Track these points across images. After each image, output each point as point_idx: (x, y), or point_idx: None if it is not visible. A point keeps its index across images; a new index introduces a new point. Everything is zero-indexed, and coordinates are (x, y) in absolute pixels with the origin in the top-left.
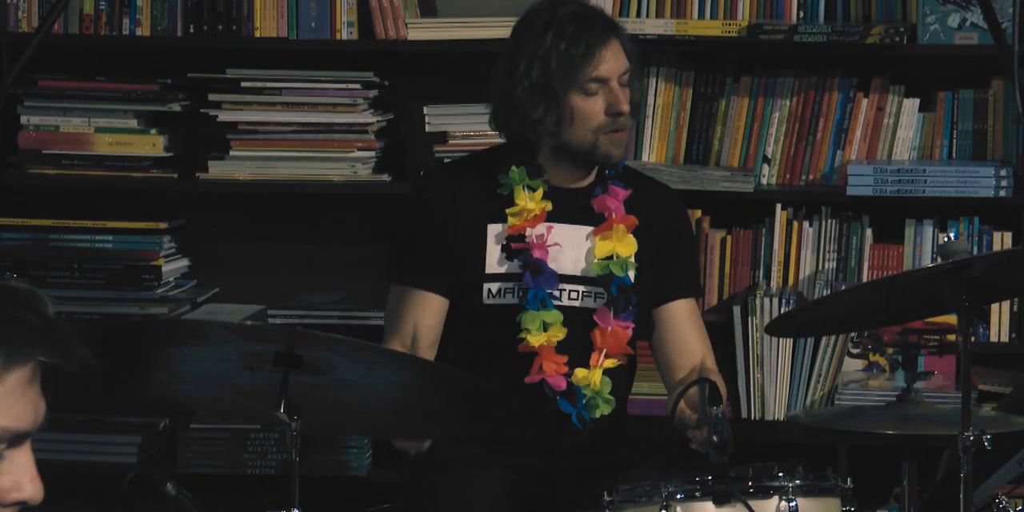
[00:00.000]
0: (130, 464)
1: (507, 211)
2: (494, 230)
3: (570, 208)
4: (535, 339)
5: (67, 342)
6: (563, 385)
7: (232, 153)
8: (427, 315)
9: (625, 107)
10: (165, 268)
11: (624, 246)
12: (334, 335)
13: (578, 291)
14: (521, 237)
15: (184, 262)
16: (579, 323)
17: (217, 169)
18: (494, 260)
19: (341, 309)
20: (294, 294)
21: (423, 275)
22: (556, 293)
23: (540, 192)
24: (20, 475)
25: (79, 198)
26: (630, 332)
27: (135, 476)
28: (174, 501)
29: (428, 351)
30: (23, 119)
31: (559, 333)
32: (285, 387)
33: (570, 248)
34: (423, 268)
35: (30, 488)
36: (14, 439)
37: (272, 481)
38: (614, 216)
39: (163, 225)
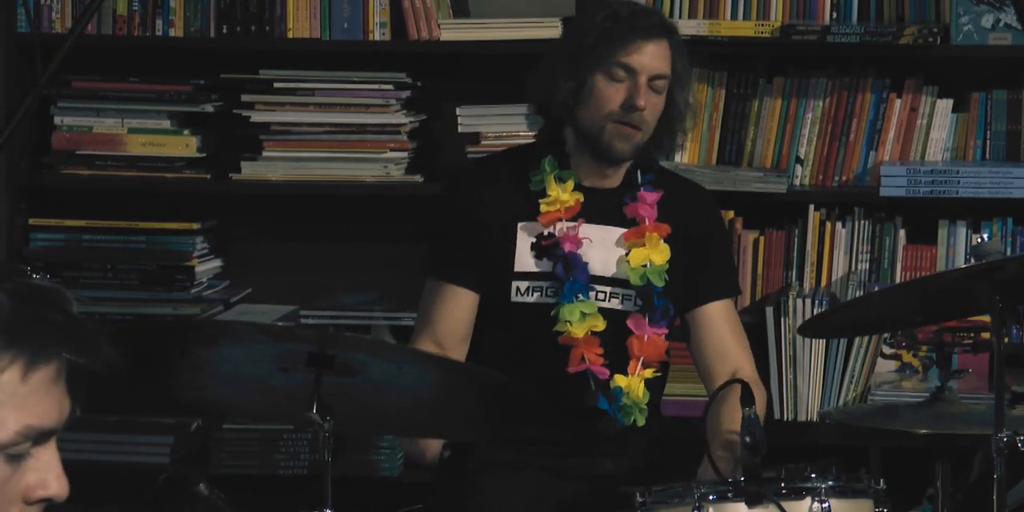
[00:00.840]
0: (163, 464)
1: (540, 201)
2: (524, 228)
3: (600, 208)
4: (576, 330)
5: (92, 341)
6: (607, 374)
7: (265, 154)
8: (459, 309)
9: (641, 103)
10: (198, 269)
11: (658, 254)
12: (365, 337)
13: (606, 292)
14: (551, 234)
15: (217, 262)
16: (610, 325)
17: (250, 170)
18: (524, 258)
19: (373, 310)
20: (326, 295)
21: (456, 271)
22: (590, 291)
23: (571, 183)
24: (46, 472)
25: (112, 199)
26: (665, 340)
27: (168, 476)
28: (207, 501)
29: (460, 345)
30: (56, 120)
31: (599, 323)
32: (318, 388)
33: (600, 249)
34: (456, 264)
35: (56, 485)
36: (39, 437)
37: (304, 481)
38: (647, 223)
39: (196, 226)
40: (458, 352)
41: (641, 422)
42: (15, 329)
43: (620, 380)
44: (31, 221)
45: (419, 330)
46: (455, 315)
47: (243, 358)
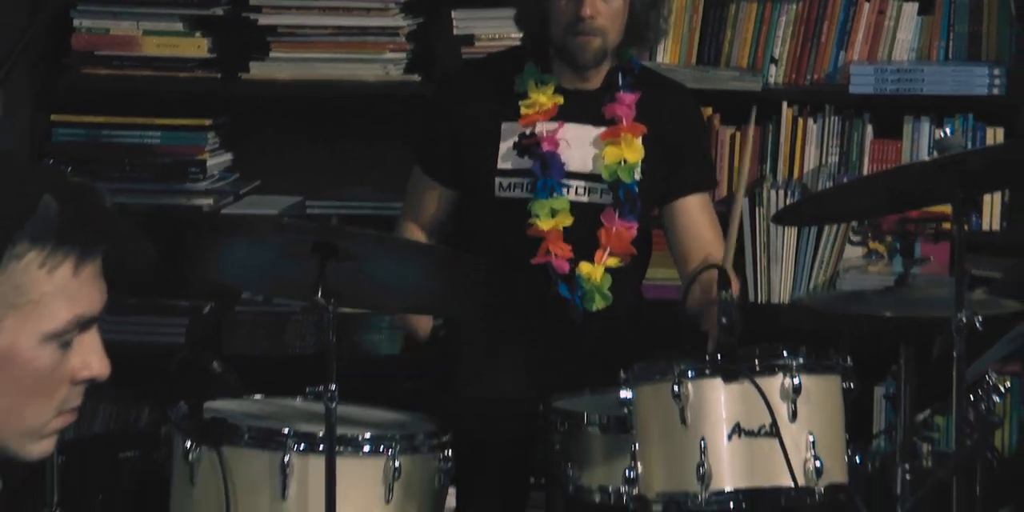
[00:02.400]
0: (178, 344)
1: (520, 103)
2: (507, 128)
3: (579, 108)
4: (544, 224)
5: (132, 238)
6: (566, 269)
7: (272, 55)
8: (435, 201)
9: (587, 12)
10: (209, 162)
11: (632, 152)
12: (364, 230)
13: (584, 187)
14: (532, 134)
15: (227, 156)
16: (585, 218)
17: (257, 70)
18: (506, 156)
19: (373, 201)
20: (330, 187)
21: (436, 167)
22: (564, 188)
23: (551, 87)
24: (90, 355)
25: (129, 97)
26: (634, 232)
27: (184, 356)
28: (220, 378)
29: (438, 229)
30: (76, 22)
31: (566, 220)
32: (322, 273)
33: (578, 147)
34: (437, 161)
35: (98, 366)
36: (86, 324)
37: (310, 360)
38: (624, 123)
39: (207, 122)
40: (437, 234)
41: (602, 305)
42: (65, 228)
43: (584, 268)
44: (53, 118)
45: (404, 211)
46: (432, 204)
47: (254, 248)
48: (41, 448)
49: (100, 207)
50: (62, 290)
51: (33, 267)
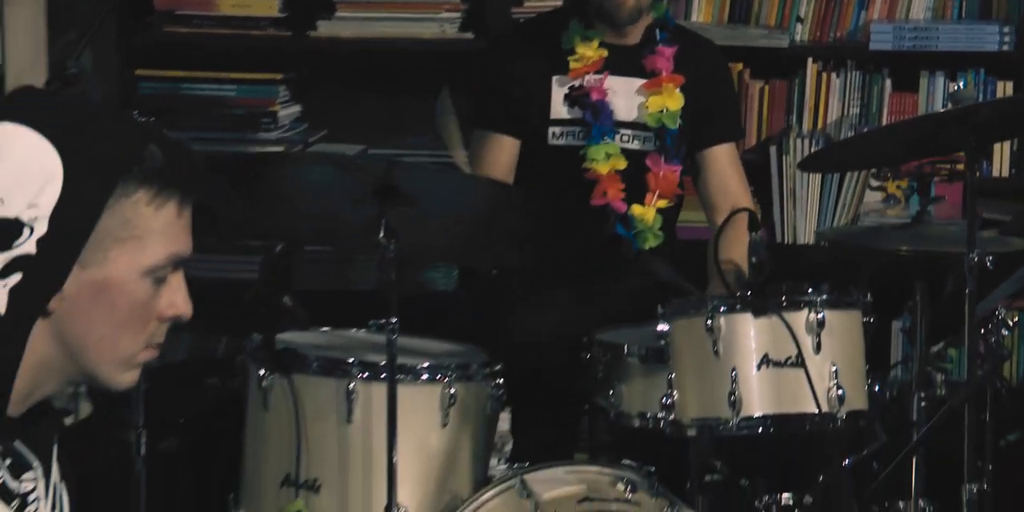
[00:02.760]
0: (253, 280)
1: (569, 59)
2: (557, 81)
3: (622, 62)
4: (600, 167)
5: (217, 185)
6: (623, 208)
7: (337, 14)
8: (502, 154)
9: None
10: (280, 113)
11: (673, 101)
12: (424, 163)
13: (630, 135)
14: (581, 86)
15: (297, 108)
16: (632, 163)
17: (324, 28)
18: (558, 107)
19: (429, 149)
20: (390, 137)
21: (497, 120)
22: (614, 135)
23: (596, 42)
24: (176, 295)
25: (206, 53)
26: (678, 175)
27: (257, 291)
28: (290, 312)
29: (504, 179)
30: None
31: (620, 163)
32: (383, 215)
33: (623, 97)
34: (497, 114)
35: (183, 306)
36: (178, 263)
37: (373, 296)
38: (664, 74)
39: (278, 76)
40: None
41: (655, 244)
42: (170, 173)
43: (636, 209)
44: (138, 72)
45: (472, 169)
46: (499, 159)
47: (321, 190)
48: (128, 378)
49: (195, 159)
50: (164, 229)
51: (141, 205)
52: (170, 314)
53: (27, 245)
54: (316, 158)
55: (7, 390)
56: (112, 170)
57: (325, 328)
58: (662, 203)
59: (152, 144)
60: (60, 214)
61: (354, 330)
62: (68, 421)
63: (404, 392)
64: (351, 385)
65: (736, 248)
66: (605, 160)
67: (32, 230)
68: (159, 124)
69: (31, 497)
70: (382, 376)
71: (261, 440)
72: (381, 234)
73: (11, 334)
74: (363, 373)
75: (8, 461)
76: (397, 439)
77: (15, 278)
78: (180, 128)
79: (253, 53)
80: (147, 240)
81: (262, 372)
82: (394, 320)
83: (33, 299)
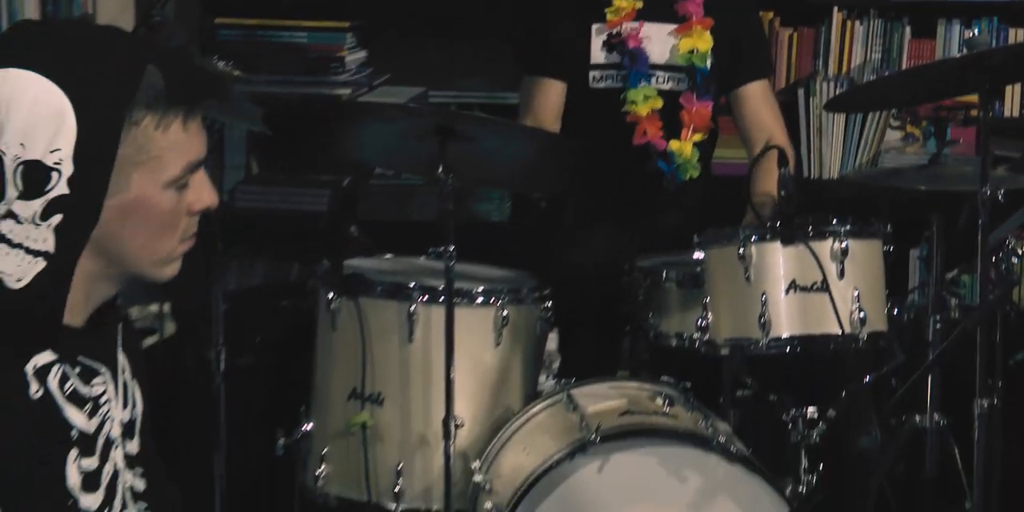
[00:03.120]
0: (321, 212)
1: (606, 10)
2: (597, 29)
3: (655, 9)
4: (640, 109)
5: (230, 88)
6: (663, 146)
7: None
8: (550, 96)
9: None
10: (348, 58)
11: (703, 42)
12: (476, 114)
13: (665, 76)
14: (618, 34)
15: (363, 53)
16: (668, 102)
17: None
18: (597, 53)
19: (485, 91)
20: (450, 79)
21: (544, 64)
22: (651, 78)
23: None
24: (201, 190)
25: (280, 2)
26: (710, 110)
27: (327, 221)
28: (356, 241)
29: (553, 125)
30: None
31: (657, 103)
32: (443, 152)
33: (657, 42)
34: (543, 59)
35: (208, 197)
36: (195, 167)
37: (432, 226)
38: (695, 18)
39: (346, 24)
40: (553, 129)
41: (695, 175)
42: (171, 92)
43: (674, 145)
44: (217, 20)
45: (521, 117)
46: (547, 101)
47: (384, 131)
48: (171, 270)
49: (198, 68)
50: (175, 145)
51: (150, 129)
52: (198, 208)
53: (60, 187)
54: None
55: (60, 314)
56: (118, 103)
57: (388, 255)
58: (697, 137)
59: (151, 64)
60: (81, 154)
61: (415, 257)
62: (153, 340)
63: (460, 314)
64: (412, 308)
65: (768, 182)
66: (644, 102)
67: (60, 173)
68: (237, 69)
69: (102, 399)
70: (440, 299)
71: (330, 357)
72: (440, 169)
73: (62, 267)
74: (423, 296)
75: (77, 369)
76: (454, 357)
77: (56, 218)
78: (256, 72)
79: (323, 2)
80: (162, 158)
81: (331, 295)
82: (451, 248)
83: (76, 234)
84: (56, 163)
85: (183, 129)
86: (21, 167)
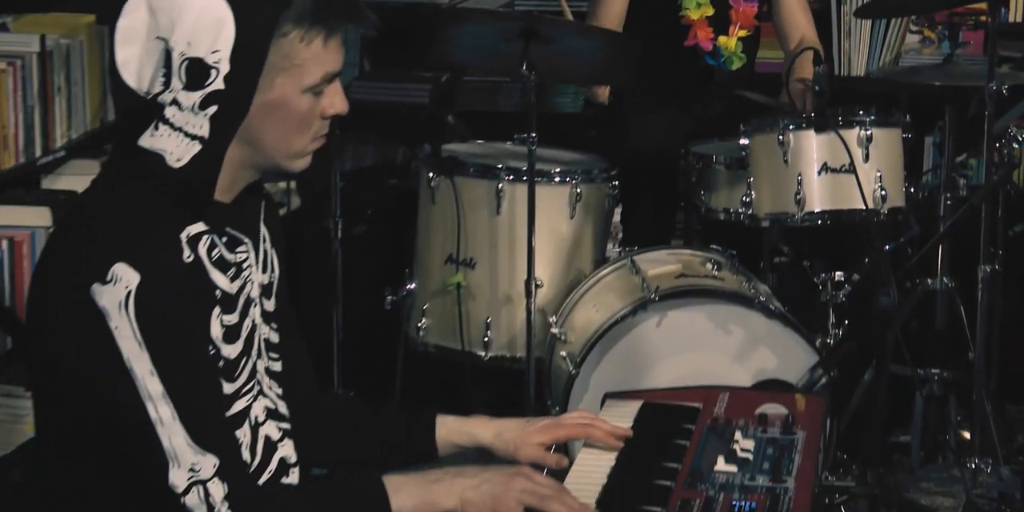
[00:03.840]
0: (424, 104)
1: None
2: None
3: None
4: (693, 14)
5: (364, 17)
6: (710, 47)
7: None
8: (616, 4)
9: None
10: None
11: None
12: (559, 18)
13: None
14: None
15: None
16: (719, 6)
17: None
18: None
19: None
20: None
21: None
22: None
23: None
24: (334, 97)
25: None
26: (755, 8)
27: (428, 111)
28: (453, 128)
29: (617, 28)
30: None
31: (708, 10)
32: (527, 51)
33: None
34: None
35: (340, 104)
36: (331, 78)
37: (517, 116)
38: None
39: None
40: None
41: (740, 64)
42: (317, 12)
43: (722, 39)
44: None
45: (589, 17)
46: (612, 9)
47: (477, 33)
48: (302, 163)
49: None
50: (315, 57)
51: (296, 41)
52: (331, 113)
53: (217, 82)
54: (476, 10)
55: (211, 192)
56: (271, 18)
57: (479, 141)
58: (742, 33)
59: None
60: (237, 56)
61: (502, 142)
62: (282, 212)
63: (541, 191)
64: (499, 185)
65: (801, 71)
66: (696, 8)
67: (218, 71)
68: None
69: (244, 264)
70: (524, 178)
71: (430, 227)
72: (523, 66)
73: (215, 152)
74: (509, 176)
75: (224, 239)
76: (535, 227)
77: (212, 109)
78: None
79: None
80: (303, 67)
81: (431, 175)
82: (533, 135)
83: (227, 124)
84: (215, 62)
85: (324, 44)
86: (186, 63)
